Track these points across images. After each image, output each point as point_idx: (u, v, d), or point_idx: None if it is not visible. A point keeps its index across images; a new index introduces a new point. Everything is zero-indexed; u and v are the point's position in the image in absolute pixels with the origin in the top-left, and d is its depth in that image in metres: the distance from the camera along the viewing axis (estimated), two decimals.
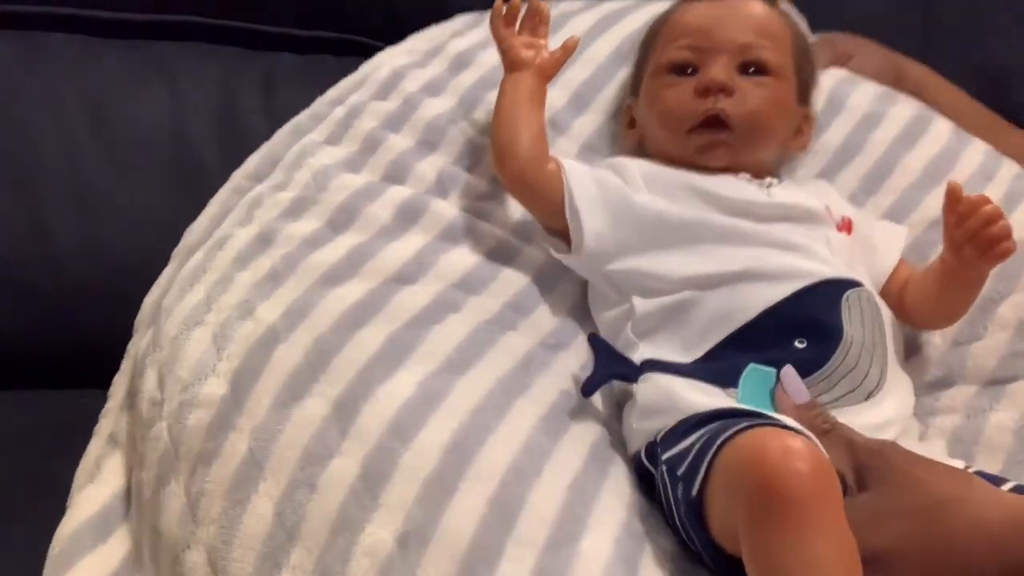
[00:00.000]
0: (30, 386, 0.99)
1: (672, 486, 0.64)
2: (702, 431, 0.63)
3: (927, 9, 1.20)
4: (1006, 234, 0.72)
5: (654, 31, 0.88)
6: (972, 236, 0.72)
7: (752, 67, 0.81)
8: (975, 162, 0.92)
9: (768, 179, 0.82)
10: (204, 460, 0.65)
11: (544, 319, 0.79)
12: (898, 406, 0.73)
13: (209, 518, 0.63)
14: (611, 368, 0.71)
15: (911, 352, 0.83)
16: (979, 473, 0.63)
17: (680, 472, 0.63)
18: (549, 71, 0.84)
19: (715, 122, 0.80)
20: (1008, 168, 0.93)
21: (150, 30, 1.12)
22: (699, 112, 0.80)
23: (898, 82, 1.00)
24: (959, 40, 1.18)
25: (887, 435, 0.68)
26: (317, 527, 0.60)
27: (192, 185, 1.03)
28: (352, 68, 1.12)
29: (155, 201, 1.03)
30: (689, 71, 0.82)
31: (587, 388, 0.70)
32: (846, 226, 0.81)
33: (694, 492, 0.61)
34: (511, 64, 0.84)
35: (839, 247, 0.78)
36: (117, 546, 0.69)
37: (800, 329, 0.71)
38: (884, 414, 0.71)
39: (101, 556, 0.68)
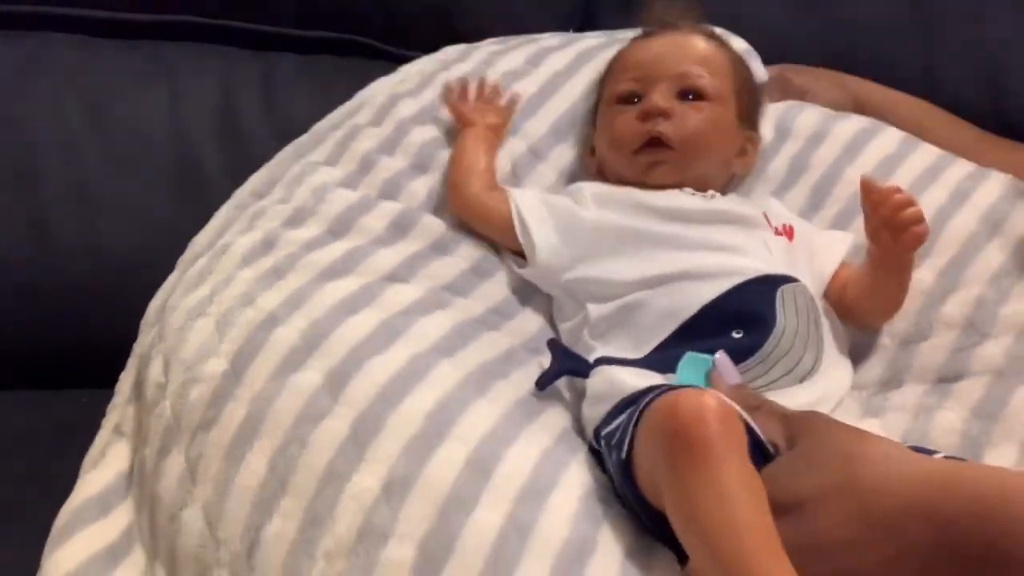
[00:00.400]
0: (30, 386, 0.99)
1: (609, 456, 0.68)
2: (634, 405, 0.68)
3: (927, 9, 1.20)
4: (918, 218, 0.78)
5: (608, 68, 0.96)
6: (887, 222, 0.78)
7: (690, 93, 0.88)
8: (921, 165, 0.95)
9: (711, 192, 0.88)
10: (204, 427, 0.70)
11: (524, 326, 0.84)
12: (833, 385, 0.78)
13: (207, 477, 0.67)
14: (565, 364, 0.76)
15: (861, 353, 0.86)
16: (916, 448, 0.66)
17: (614, 441, 0.68)
18: (498, 127, 0.94)
19: (656, 143, 0.87)
20: (960, 168, 0.94)
21: (150, 30, 1.12)
22: (641, 134, 0.87)
23: (858, 110, 1.01)
24: (959, 40, 1.18)
25: (821, 410, 0.72)
26: (307, 478, 0.64)
27: (192, 185, 1.04)
28: (352, 68, 1.13)
29: (155, 201, 1.03)
30: (635, 100, 0.89)
31: (542, 382, 0.75)
32: (787, 232, 0.87)
33: (623, 455, 0.65)
34: (463, 125, 0.94)
35: (777, 248, 0.84)
36: (119, 518, 0.72)
37: (737, 321, 0.77)
38: (816, 393, 0.76)
39: (102, 527, 0.71)
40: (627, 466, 0.65)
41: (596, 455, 0.73)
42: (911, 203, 0.78)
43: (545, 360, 0.79)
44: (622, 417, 0.68)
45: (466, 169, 0.90)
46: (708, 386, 0.70)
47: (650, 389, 0.68)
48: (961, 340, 0.83)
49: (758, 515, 0.57)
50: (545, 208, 0.87)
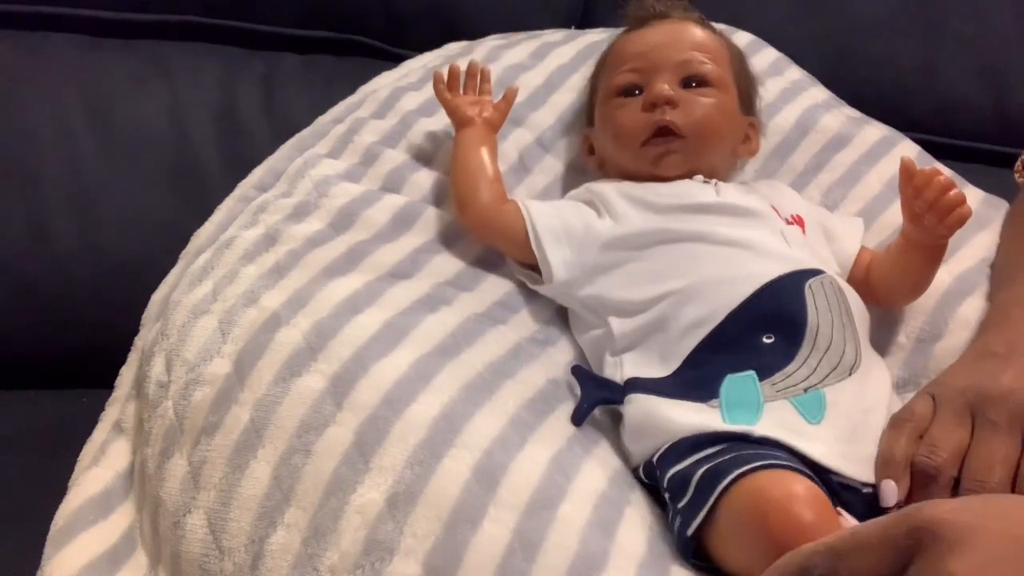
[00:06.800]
0: (30, 386, 0.98)
1: (672, 513, 0.66)
2: (698, 457, 0.65)
3: (927, 9, 1.20)
4: (961, 199, 0.77)
5: (600, 64, 0.95)
6: (931, 205, 0.77)
7: (693, 81, 0.87)
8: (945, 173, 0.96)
9: (714, 180, 0.86)
10: (207, 431, 0.69)
11: (532, 318, 0.83)
12: (881, 386, 0.75)
13: (210, 484, 0.66)
14: (597, 394, 0.74)
15: (878, 352, 0.83)
16: None
17: (681, 505, 0.65)
18: (496, 123, 0.91)
19: (665, 132, 0.85)
20: (974, 192, 0.96)
21: (150, 30, 1.12)
22: (649, 125, 0.85)
23: None
24: (959, 40, 1.19)
25: (876, 420, 0.71)
26: (311, 488, 0.63)
27: (192, 185, 1.03)
28: (352, 68, 1.13)
29: (155, 201, 1.03)
30: (636, 92, 0.87)
31: (576, 417, 0.72)
32: (797, 222, 0.85)
33: (689, 532, 0.63)
34: (460, 123, 0.90)
35: (795, 239, 0.82)
36: (118, 521, 0.71)
37: (766, 324, 0.74)
38: (870, 395, 0.73)
39: (102, 530, 0.70)
40: (692, 543, 0.63)
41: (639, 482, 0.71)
42: (954, 185, 0.77)
43: (556, 351, 0.78)
44: (684, 464, 0.66)
45: (473, 179, 0.86)
46: (756, 406, 0.69)
47: (712, 440, 0.66)
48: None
49: None
50: (559, 221, 0.83)
